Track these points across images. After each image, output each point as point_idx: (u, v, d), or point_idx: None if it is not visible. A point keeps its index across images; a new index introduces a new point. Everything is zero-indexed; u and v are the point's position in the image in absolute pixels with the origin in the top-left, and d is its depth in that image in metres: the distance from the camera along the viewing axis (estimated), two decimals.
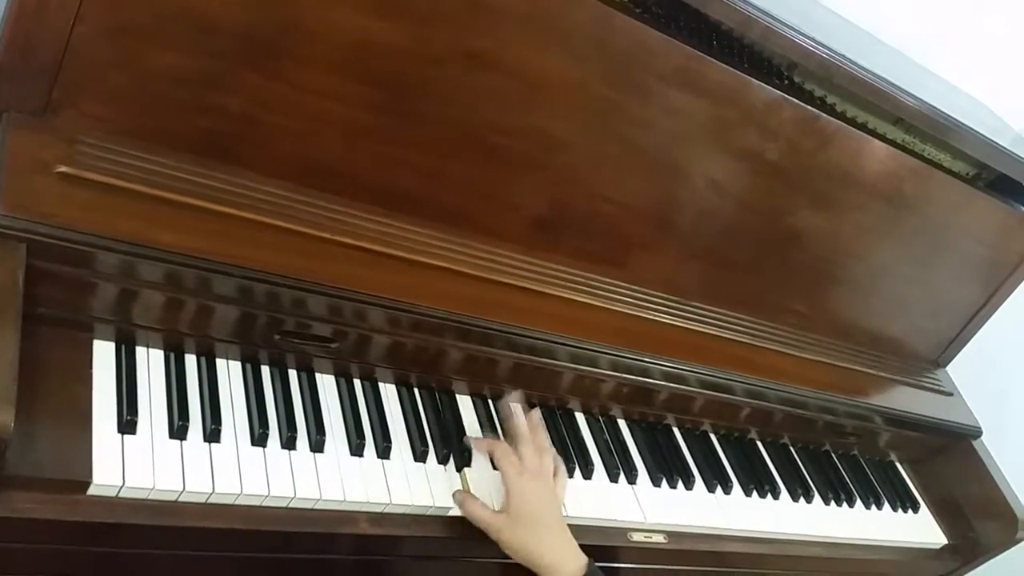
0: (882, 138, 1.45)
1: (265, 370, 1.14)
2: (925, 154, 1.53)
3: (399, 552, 1.17)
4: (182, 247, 0.99)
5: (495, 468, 1.16)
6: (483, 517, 1.09)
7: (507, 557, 1.14)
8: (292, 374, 1.16)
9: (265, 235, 1.06)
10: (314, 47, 1.05)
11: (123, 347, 1.05)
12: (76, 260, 0.96)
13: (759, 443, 1.60)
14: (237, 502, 1.02)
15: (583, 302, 1.32)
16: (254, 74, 1.04)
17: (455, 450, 1.21)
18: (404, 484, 1.14)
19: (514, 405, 1.24)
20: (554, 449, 1.19)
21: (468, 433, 1.24)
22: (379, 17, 1.06)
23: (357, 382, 1.21)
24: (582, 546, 1.20)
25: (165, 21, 0.98)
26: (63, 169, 0.96)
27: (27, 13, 0.93)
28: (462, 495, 1.12)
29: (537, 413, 1.22)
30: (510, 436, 1.18)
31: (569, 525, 1.23)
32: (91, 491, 0.93)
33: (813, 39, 1.27)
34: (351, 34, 1.06)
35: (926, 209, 1.56)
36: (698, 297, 1.46)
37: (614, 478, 1.34)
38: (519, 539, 1.05)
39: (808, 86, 1.37)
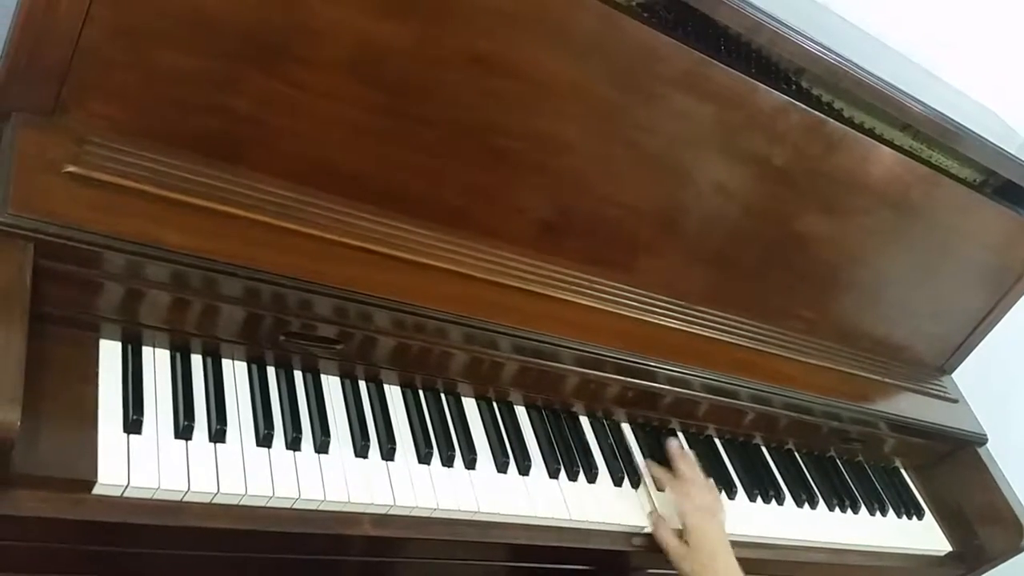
0: (889, 144, 1.44)
1: (271, 371, 1.14)
2: (932, 160, 1.52)
3: (403, 554, 1.17)
4: (189, 247, 1.00)
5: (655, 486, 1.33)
6: (670, 545, 1.25)
7: (511, 560, 1.13)
8: (297, 375, 1.16)
9: (271, 236, 1.06)
10: (321, 49, 1.05)
11: (129, 347, 1.05)
12: (83, 260, 0.96)
13: (763, 448, 1.60)
14: (242, 502, 1.02)
15: (588, 305, 1.32)
16: (261, 75, 1.05)
17: (461, 452, 1.21)
18: (408, 486, 1.14)
19: (674, 441, 1.39)
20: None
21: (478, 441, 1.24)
22: (385, 19, 1.06)
23: (362, 384, 1.21)
24: (584, 550, 1.20)
25: (173, 23, 0.99)
26: (71, 169, 0.97)
27: (36, 14, 0.93)
28: (656, 517, 1.28)
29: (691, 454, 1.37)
30: (680, 473, 1.33)
31: (572, 529, 1.24)
32: (96, 490, 0.94)
33: (821, 44, 1.27)
34: (358, 36, 1.06)
35: (932, 215, 1.56)
36: (703, 301, 1.46)
37: (618, 482, 1.34)
38: (696, 570, 1.21)
39: (815, 91, 1.37)
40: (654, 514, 1.29)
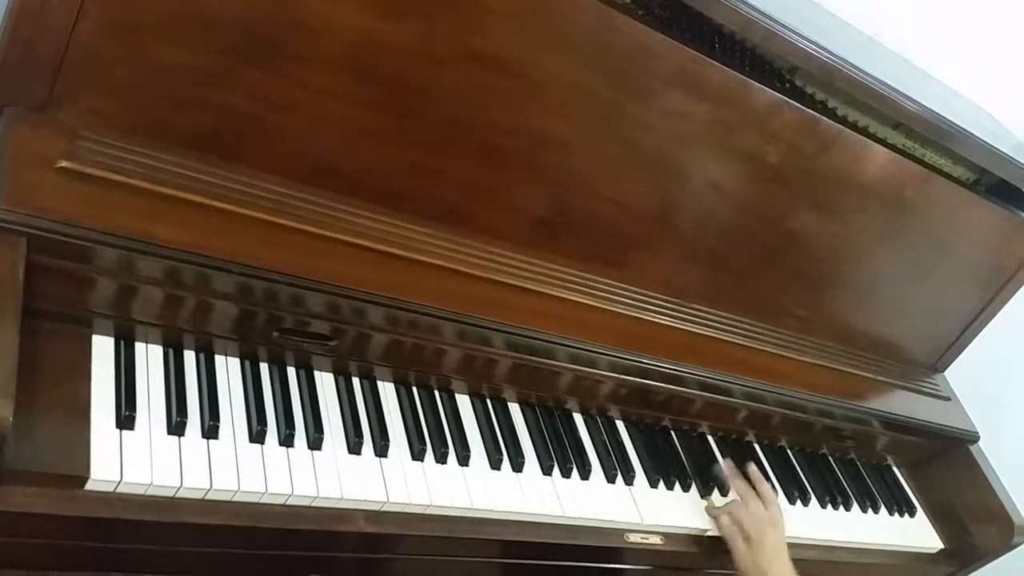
0: (883, 143, 1.45)
1: (264, 367, 1.14)
2: (925, 159, 1.53)
3: (397, 550, 1.17)
4: (182, 243, 0.99)
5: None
6: (736, 547, 1.36)
7: (504, 557, 1.15)
8: (291, 371, 1.16)
9: (265, 232, 1.06)
10: (316, 45, 1.05)
11: (122, 343, 1.05)
12: (76, 255, 0.96)
13: (756, 446, 1.60)
14: (234, 499, 1.02)
15: (583, 303, 1.32)
16: (256, 71, 1.04)
17: (455, 449, 1.21)
18: (402, 483, 1.14)
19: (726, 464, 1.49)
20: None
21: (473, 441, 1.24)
22: (382, 16, 1.06)
23: (356, 380, 1.21)
24: (577, 546, 1.21)
25: (168, 17, 0.98)
26: (64, 164, 0.96)
27: (30, 9, 0.93)
28: (726, 521, 1.38)
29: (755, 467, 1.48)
30: (750, 486, 1.44)
31: (566, 526, 1.24)
32: (89, 486, 0.93)
33: (815, 43, 1.27)
34: (354, 33, 1.06)
35: (926, 214, 1.56)
36: (697, 299, 1.47)
37: (611, 479, 1.34)
38: (756, 572, 1.34)
39: (809, 89, 1.37)
40: (724, 517, 1.39)
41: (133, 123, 1.02)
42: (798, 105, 1.34)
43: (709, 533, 1.39)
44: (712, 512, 1.40)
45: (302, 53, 1.05)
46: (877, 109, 1.39)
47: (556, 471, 1.29)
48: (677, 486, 1.41)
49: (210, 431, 1.04)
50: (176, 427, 1.02)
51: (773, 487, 1.52)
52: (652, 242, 1.39)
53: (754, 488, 1.44)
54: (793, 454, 1.64)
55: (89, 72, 0.98)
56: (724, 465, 1.47)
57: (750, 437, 1.60)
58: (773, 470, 1.57)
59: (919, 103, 1.39)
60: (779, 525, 1.40)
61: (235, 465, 1.03)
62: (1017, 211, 1.65)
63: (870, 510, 1.67)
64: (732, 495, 1.44)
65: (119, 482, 0.95)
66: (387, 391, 1.23)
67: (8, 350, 0.85)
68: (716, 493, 1.44)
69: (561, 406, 1.39)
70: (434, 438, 1.21)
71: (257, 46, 1.03)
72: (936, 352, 1.82)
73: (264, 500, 1.04)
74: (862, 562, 1.61)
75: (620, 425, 1.44)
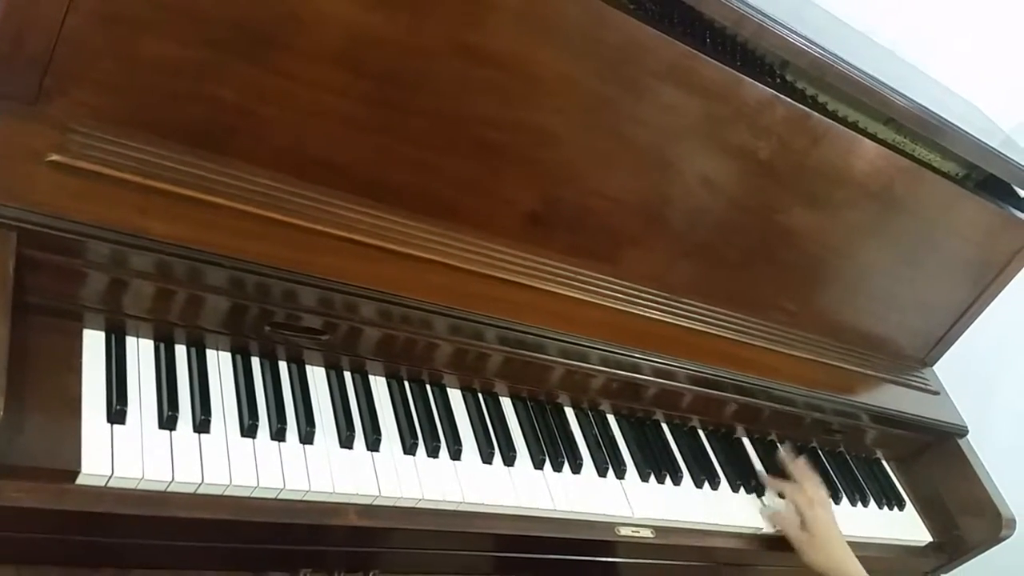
0: (873, 137, 1.45)
1: (255, 361, 1.14)
2: (915, 154, 1.53)
3: (388, 544, 1.17)
4: (173, 237, 0.99)
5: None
6: (793, 534, 1.45)
7: (496, 550, 1.15)
8: (282, 366, 1.16)
9: (257, 226, 1.06)
10: (308, 38, 1.05)
11: (113, 337, 1.04)
12: (67, 249, 0.96)
13: (747, 440, 1.61)
14: (226, 493, 1.02)
15: (574, 297, 1.32)
16: (247, 64, 1.04)
17: (446, 443, 1.21)
18: (393, 477, 1.14)
19: (788, 452, 1.60)
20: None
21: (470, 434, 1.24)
22: (373, 9, 1.06)
23: (347, 374, 1.21)
24: (568, 540, 1.21)
25: (158, 10, 0.98)
26: (54, 158, 0.96)
27: (20, 2, 0.92)
28: (780, 515, 1.47)
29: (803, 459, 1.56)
30: (796, 476, 1.52)
31: (557, 520, 1.25)
32: (80, 480, 0.93)
33: (806, 37, 1.27)
34: (345, 26, 1.05)
35: (915, 209, 1.57)
36: (688, 293, 1.47)
37: (602, 473, 1.35)
38: (818, 555, 1.42)
39: (800, 84, 1.38)
40: (778, 513, 1.48)
41: (124, 117, 1.02)
42: (789, 100, 1.34)
43: (698, 526, 1.40)
44: (769, 502, 1.51)
45: (294, 46, 1.05)
46: (868, 104, 1.40)
47: (547, 465, 1.29)
48: (668, 480, 1.41)
49: (201, 425, 1.04)
50: (167, 421, 1.02)
51: (763, 482, 1.53)
52: (643, 237, 1.39)
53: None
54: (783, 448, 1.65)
55: (79, 65, 0.98)
56: (783, 450, 1.59)
57: (740, 431, 1.60)
58: (763, 464, 1.58)
59: (909, 98, 1.39)
60: (829, 506, 1.50)
61: (227, 459, 1.03)
62: (1006, 206, 1.66)
63: (859, 503, 1.68)
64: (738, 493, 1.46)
65: (110, 476, 0.94)
66: (379, 385, 1.23)
67: None
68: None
69: (552, 400, 1.39)
70: (426, 432, 1.21)
71: (248, 39, 1.03)
72: (925, 346, 1.83)
73: (256, 494, 1.04)
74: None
75: (611, 419, 1.44)
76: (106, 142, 1.00)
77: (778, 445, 1.63)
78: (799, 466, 1.53)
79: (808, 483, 1.50)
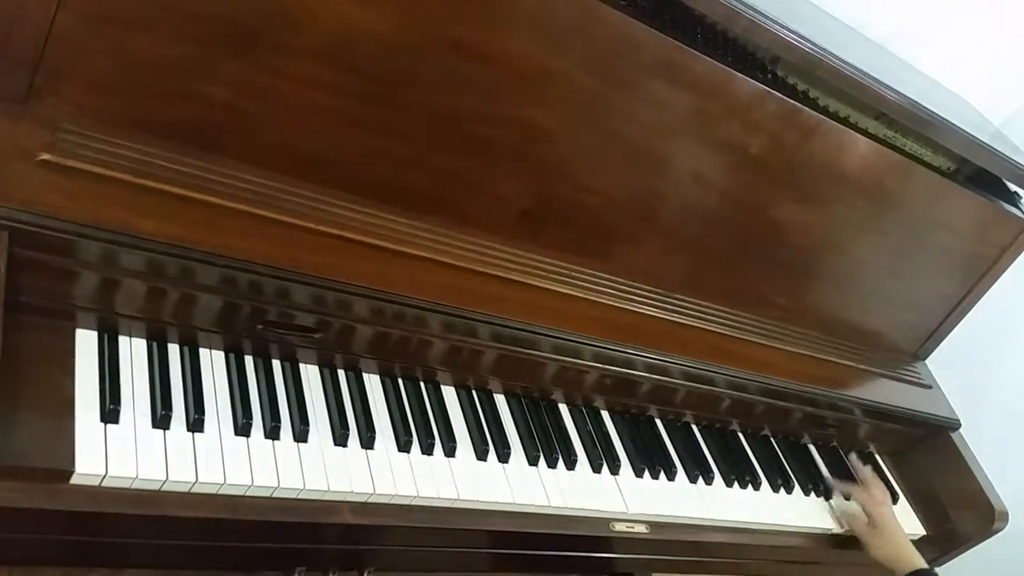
0: (864, 132, 1.46)
1: (248, 360, 1.14)
2: (906, 149, 1.54)
3: (383, 542, 1.17)
4: (165, 236, 0.99)
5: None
6: (860, 530, 1.58)
7: (490, 547, 1.15)
8: (276, 364, 1.16)
9: (248, 224, 1.06)
10: (298, 36, 1.05)
11: (106, 336, 1.04)
12: (58, 248, 0.95)
13: (740, 434, 1.61)
14: (220, 492, 1.02)
15: (567, 293, 1.33)
16: (238, 62, 1.04)
17: (441, 440, 1.21)
18: (388, 474, 1.14)
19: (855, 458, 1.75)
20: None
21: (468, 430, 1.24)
22: (363, 6, 1.06)
23: (341, 372, 1.21)
24: (563, 536, 1.21)
25: (148, 8, 0.98)
26: (45, 157, 0.96)
27: (8, 0, 0.92)
28: (848, 515, 1.60)
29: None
30: (862, 479, 1.68)
31: (552, 516, 1.25)
32: (73, 480, 0.93)
33: (797, 33, 1.28)
34: (335, 23, 1.05)
35: (906, 203, 1.58)
36: (681, 289, 1.47)
37: (597, 469, 1.35)
38: (883, 549, 1.55)
39: (791, 80, 1.38)
40: (848, 513, 1.61)
41: (115, 115, 1.01)
42: (780, 95, 1.34)
43: (693, 521, 1.40)
44: (839, 504, 1.63)
45: (284, 43, 1.05)
46: (858, 99, 1.40)
47: (542, 461, 1.29)
48: (662, 475, 1.41)
49: (195, 424, 1.04)
50: (161, 420, 1.02)
51: (757, 476, 1.54)
52: (635, 232, 1.39)
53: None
54: (777, 442, 1.65)
55: (70, 64, 0.98)
56: (852, 457, 1.73)
57: (734, 426, 1.61)
58: (757, 458, 1.58)
59: (900, 93, 1.40)
60: (890, 504, 1.65)
61: (220, 458, 1.03)
62: (996, 200, 1.67)
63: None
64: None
65: (104, 476, 0.94)
66: (373, 383, 1.23)
67: None
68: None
69: (547, 397, 1.39)
70: (420, 429, 1.21)
71: (238, 37, 1.03)
72: (917, 340, 1.84)
73: (250, 493, 1.03)
74: (845, 548, 1.62)
75: (605, 415, 1.44)
76: (97, 141, 1.00)
77: (843, 455, 1.74)
78: (866, 472, 1.68)
79: (875, 487, 1.65)
